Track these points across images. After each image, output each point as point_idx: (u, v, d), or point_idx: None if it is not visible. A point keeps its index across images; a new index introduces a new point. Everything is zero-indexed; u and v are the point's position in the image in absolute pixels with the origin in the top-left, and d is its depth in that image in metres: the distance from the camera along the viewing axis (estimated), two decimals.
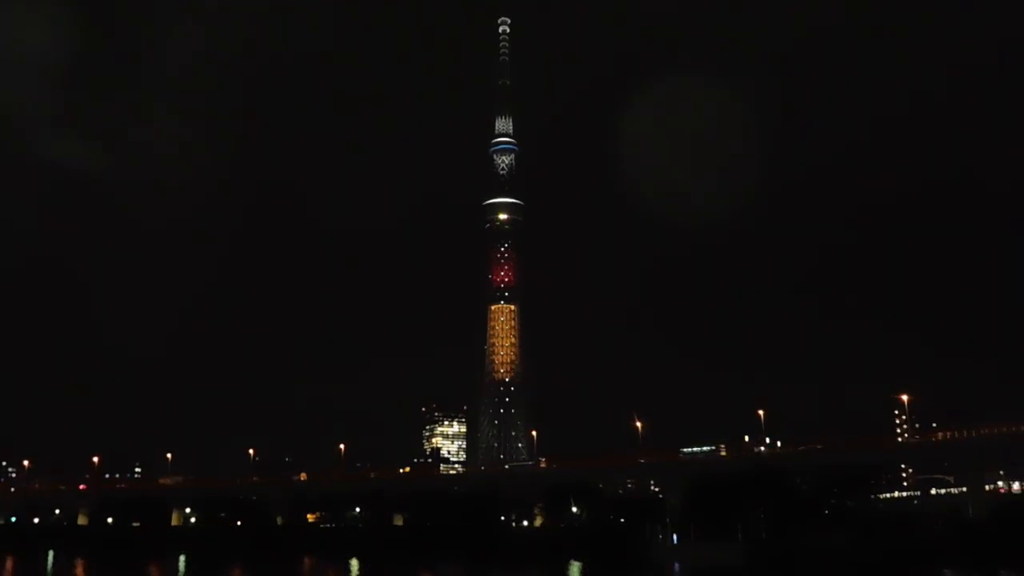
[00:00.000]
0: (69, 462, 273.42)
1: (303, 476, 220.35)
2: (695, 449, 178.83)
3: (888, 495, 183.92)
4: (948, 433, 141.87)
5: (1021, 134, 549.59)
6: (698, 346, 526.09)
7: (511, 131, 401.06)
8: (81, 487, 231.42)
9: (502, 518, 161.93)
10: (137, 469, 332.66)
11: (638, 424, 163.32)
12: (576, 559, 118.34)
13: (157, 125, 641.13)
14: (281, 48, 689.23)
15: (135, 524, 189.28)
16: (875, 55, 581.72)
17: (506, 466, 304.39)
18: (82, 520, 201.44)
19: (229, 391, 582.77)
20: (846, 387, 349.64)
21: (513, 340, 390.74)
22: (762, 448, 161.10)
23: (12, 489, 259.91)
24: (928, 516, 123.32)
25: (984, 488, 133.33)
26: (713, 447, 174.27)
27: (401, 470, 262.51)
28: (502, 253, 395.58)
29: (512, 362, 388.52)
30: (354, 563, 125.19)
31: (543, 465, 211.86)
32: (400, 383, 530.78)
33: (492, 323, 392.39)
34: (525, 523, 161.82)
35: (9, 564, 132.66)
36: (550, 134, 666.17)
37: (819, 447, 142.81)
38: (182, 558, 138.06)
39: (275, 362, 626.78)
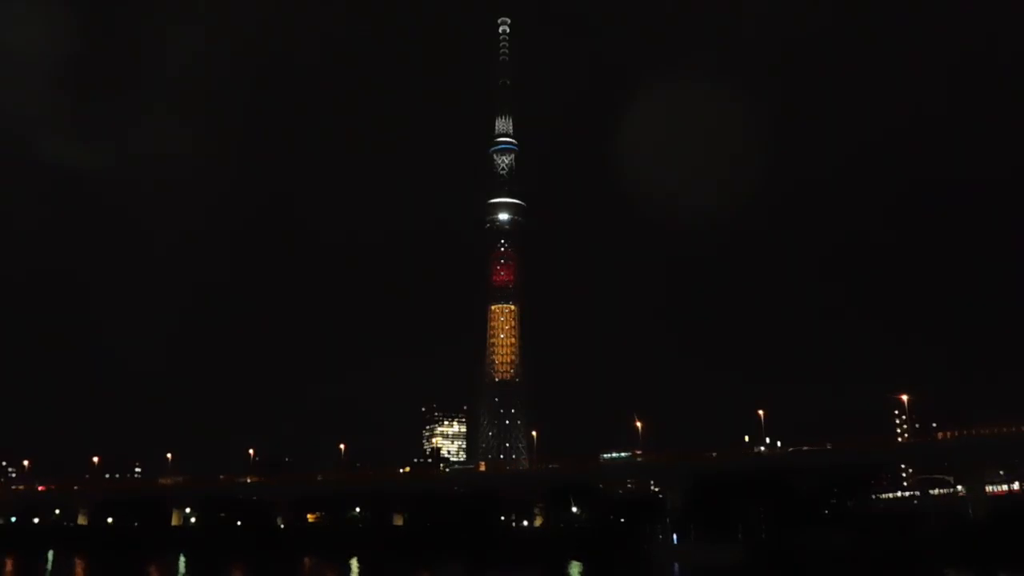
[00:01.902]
0: (69, 462, 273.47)
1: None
2: (613, 455, 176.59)
3: (888, 495, 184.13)
4: (948, 433, 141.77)
5: (1021, 134, 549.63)
6: (698, 346, 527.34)
7: (511, 131, 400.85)
8: (40, 488, 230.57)
9: (502, 518, 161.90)
10: (137, 469, 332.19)
11: (638, 424, 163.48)
12: (576, 559, 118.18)
13: (157, 125, 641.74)
14: (281, 48, 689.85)
15: (135, 524, 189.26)
16: (875, 55, 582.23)
17: (447, 470, 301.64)
18: (82, 520, 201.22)
19: (229, 391, 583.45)
20: (846, 387, 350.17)
21: (513, 340, 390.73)
22: (762, 448, 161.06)
23: (12, 489, 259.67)
24: (928, 516, 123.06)
25: (984, 488, 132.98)
26: (629, 453, 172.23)
27: (401, 470, 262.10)
28: (502, 253, 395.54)
29: (512, 362, 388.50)
30: (354, 563, 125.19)
31: (481, 468, 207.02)
32: (400, 383, 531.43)
33: (492, 323, 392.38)
34: (525, 523, 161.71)
35: (9, 564, 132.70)
36: (550, 134, 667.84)
37: (819, 447, 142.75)
38: (182, 558, 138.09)
39: (275, 362, 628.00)
